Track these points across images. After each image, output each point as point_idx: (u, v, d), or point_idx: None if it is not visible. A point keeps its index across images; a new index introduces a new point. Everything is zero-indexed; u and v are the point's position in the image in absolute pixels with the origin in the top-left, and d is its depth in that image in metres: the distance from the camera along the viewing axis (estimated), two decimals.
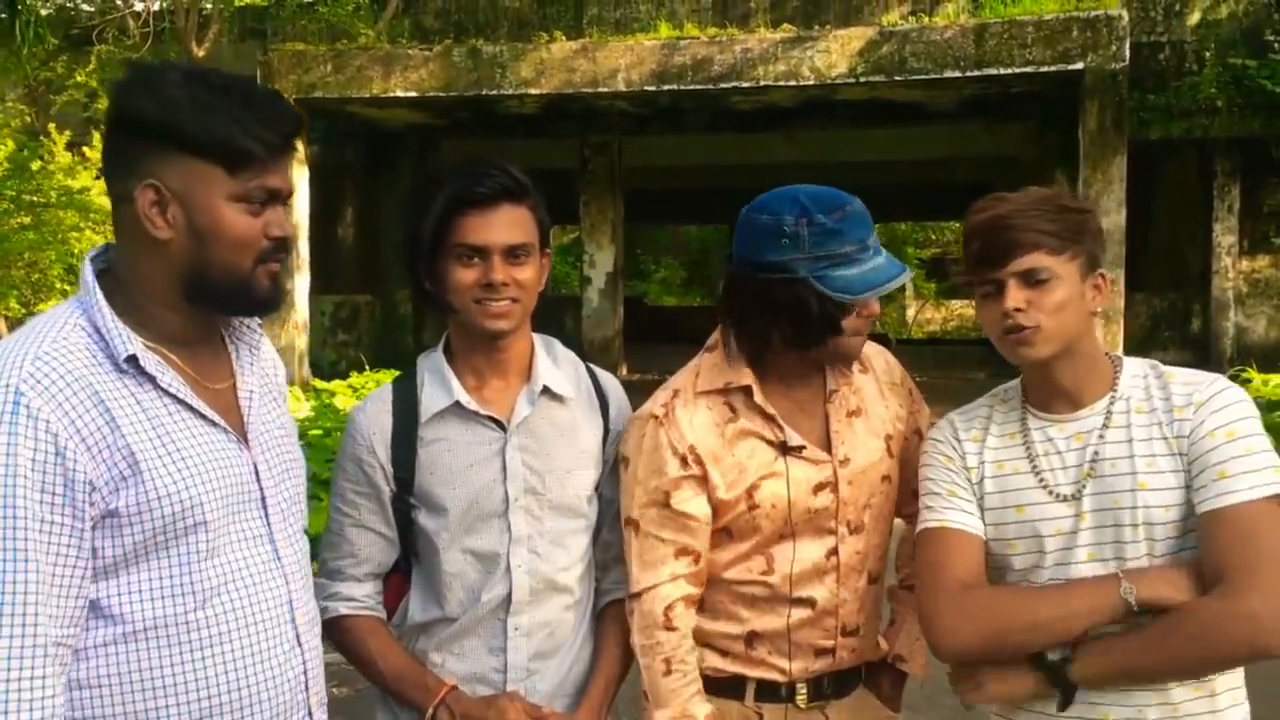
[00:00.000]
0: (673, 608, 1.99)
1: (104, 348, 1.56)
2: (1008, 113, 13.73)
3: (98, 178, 10.97)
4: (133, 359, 1.56)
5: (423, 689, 2.01)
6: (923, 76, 12.08)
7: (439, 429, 2.05)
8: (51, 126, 10.96)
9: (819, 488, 2.03)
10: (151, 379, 1.58)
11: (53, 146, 10.80)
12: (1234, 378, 9.92)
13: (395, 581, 2.14)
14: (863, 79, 12.23)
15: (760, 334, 2.01)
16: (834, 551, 2.05)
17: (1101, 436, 1.86)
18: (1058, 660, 1.76)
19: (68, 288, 11.11)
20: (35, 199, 10.30)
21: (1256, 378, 9.76)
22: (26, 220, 10.43)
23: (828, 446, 2.05)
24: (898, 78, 12.16)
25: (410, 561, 2.12)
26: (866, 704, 2.17)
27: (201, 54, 13.80)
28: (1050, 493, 1.87)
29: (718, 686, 2.06)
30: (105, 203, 10.71)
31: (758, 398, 2.03)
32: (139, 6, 14.50)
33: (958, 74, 11.96)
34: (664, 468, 2.00)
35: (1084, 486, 1.84)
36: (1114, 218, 11.65)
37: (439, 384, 2.07)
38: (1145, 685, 1.78)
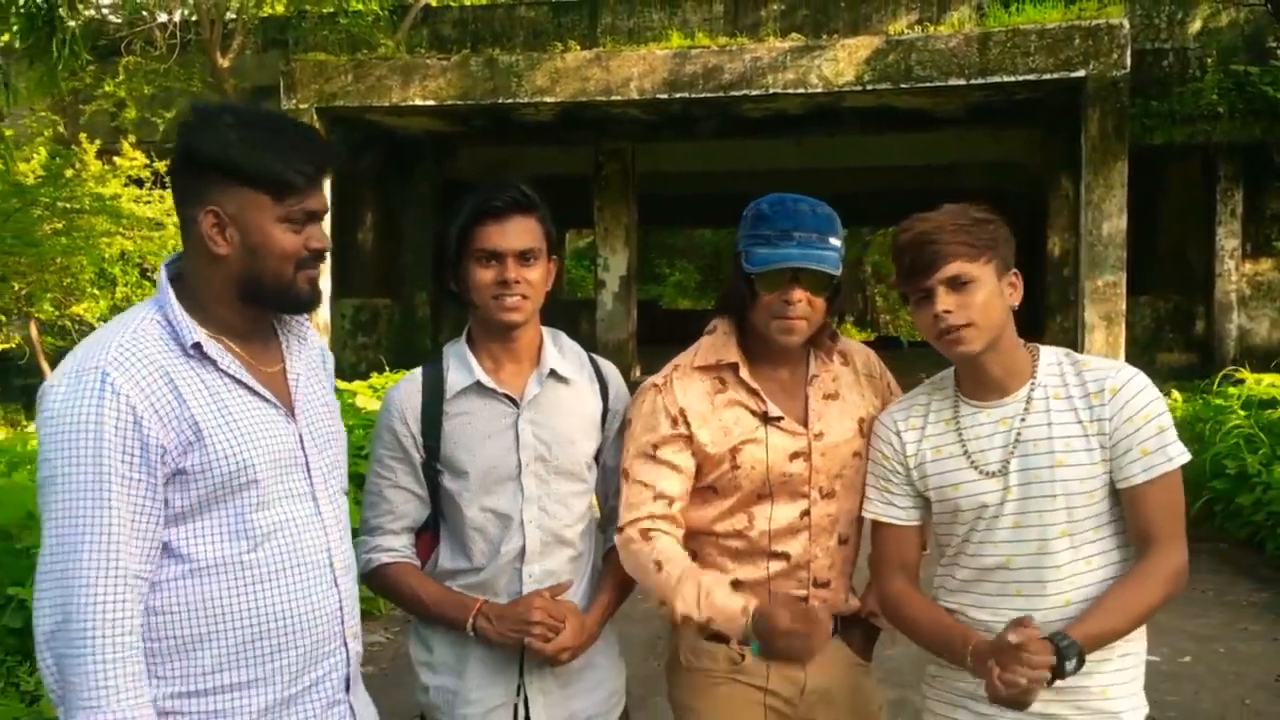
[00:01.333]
0: (648, 530, 2.30)
1: (174, 337, 1.88)
2: (1012, 119, 13.99)
3: (126, 184, 11.37)
4: (197, 346, 1.88)
5: (460, 606, 2.35)
6: (928, 84, 12.37)
7: (462, 404, 2.40)
8: (82, 136, 11.33)
9: (794, 456, 2.35)
10: (213, 362, 1.90)
11: (84, 155, 11.16)
12: (1227, 377, 10.16)
13: (425, 540, 2.48)
14: (869, 87, 12.52)
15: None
16: (806, 513, 2.37)
17: (1024, 420, 2.17)
18: (1074, 668, 2.00)
19: (97, 291, 11.49)
20: (69, 205, 10.66)
21: (1250, 377, 9.98)
22: (59, 226, 10.79)
23: (805, 422, 2.37)
24: (904, 85, 12.44)
25: (439, 520, 2.46)
26: (839, 652, 2.47)
27: (226, 64, 14.20)
28: (979, 470, 2.18)
29: (706, 631, 2.37)
30: (135, 209, 11.09)
31: (743, 373, 2.36)
32: (165, 18, 14.88)
33: (962, 82, 12.24)
34: (657, 427, 2.35)
35: (1009, 464, 2.15)
36: (1115, 222, 11.91)
37: (462, 366, 2.41)
38: (1070, 583, 2.15)
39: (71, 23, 5.94)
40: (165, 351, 1.86)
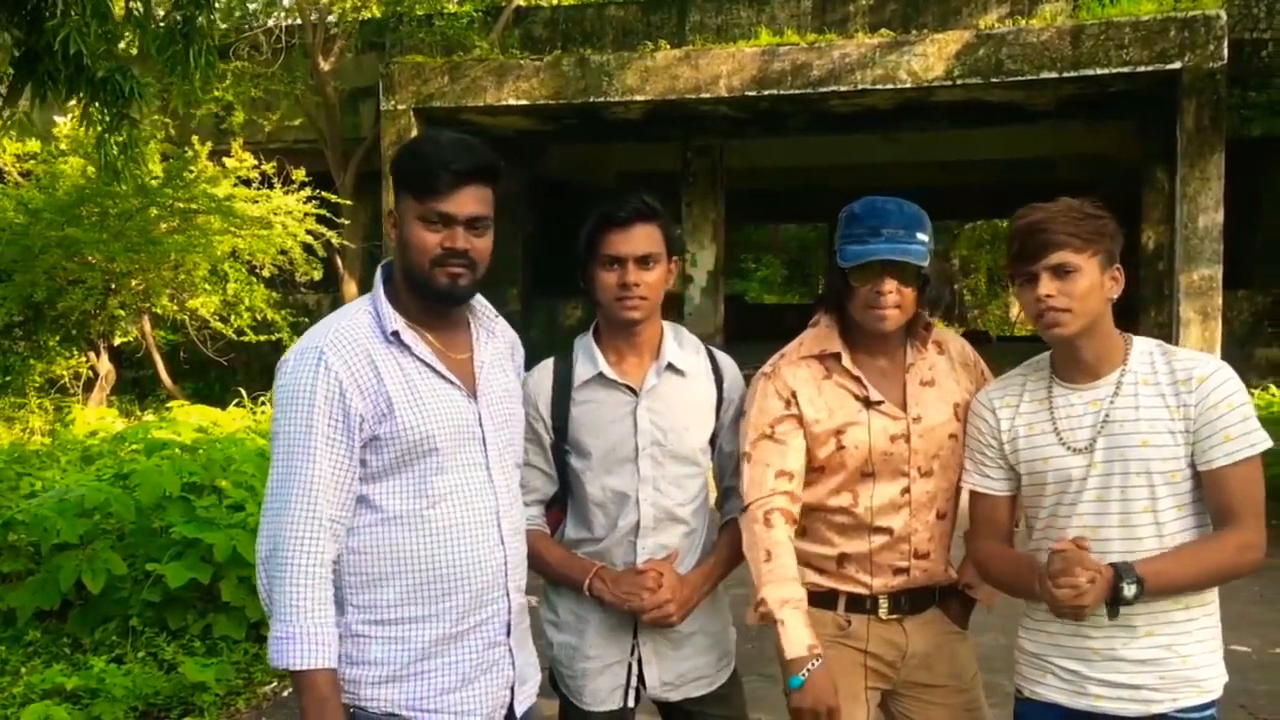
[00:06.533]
0: (771, 514, 2.52)
1: (379, 325, 2.24)
2: (1105, 112, 13.82)
3: (235, 185, 11.84)
4: (395, 334, 2.23)
5: (580, 568, 2.63)
6: (1020, 78, 12.31)
7: (587, 393, 2.65)
8: (195, 139, 11.83)
9: (894, 438, 2.54)
10: (408, 348, 2.24)
11: (198, 159, 11.66)
12: None
13: (555, 514, 2.75)
14: (959, 81, 12.51)
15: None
16: (906, 490, 2.56)
17: (1113, 402, 2.32)
18: (1133, 596, 2.15)
19: (209, 287, 12.00)
20: (186, 206, 11.15)
21: None
22: (176, 225, 11.30)
23: (904, 406, 2.55)
24: (994, 80, 12.40)
25: (566, 495, 2.71)
26: (938, 621, 2.66)
27: (327, 67, 14.67)
28: (1068, 447, 2.34)
29: (815, 599, 2.58)
30: (246, 209, 11.56)
31: (845, 361, 2.56)
32: (270, 24, 15.40)
33: (1054, 75, 12.16)
34: (772, 410, 2.57)
35: (1095, 442, 2.30)
36: (1212, 215, 11.76)
37: (588, 359, 2.67)
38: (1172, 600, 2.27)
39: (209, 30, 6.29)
40: (371, 337, 2.23)
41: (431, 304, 2.30)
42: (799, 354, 2.63)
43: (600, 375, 2.64)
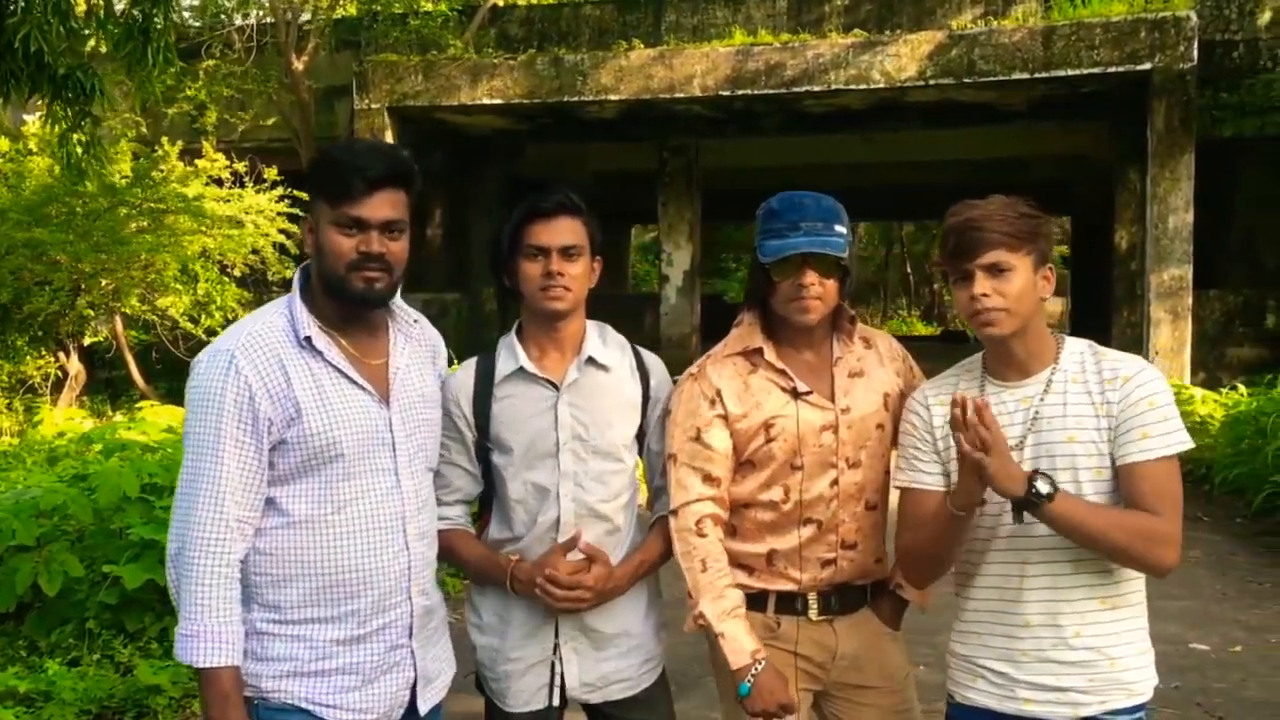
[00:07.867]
0: (702, 521, 2.55)
1: (293, 329, 2.26)
2: (1079, 112, 13.89)
3: (207, 184, 11.79)
4: (308, 339, 2.25)
5: (500, 566, 2.61)
6: (991, 79, 12.37)
7: (508, 388, 2.65)
8: (165, 139, 11.77)
9: (823, 429, 2.56)
10: (320, 353, 2.26)
11: (168, 159, 11.60)
12: None
13: (486, 519, 2.74)
14: (932, 82, 12.56)
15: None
16: (835, 482, 2.57)
17: (1042, 400, 2.33)
18: (1047, 493, 2.15)
19: (180, 287, 11.94)
20: (155, 205, 11.09)
21: None
22: (145, 225, 11.24)
23: (832, 398, 2.57)
24: (966, 80, 12.46)
25: (491, 495, 2.71)
26: (868, 621, 2.67)
27: (300, 66, 14.61)
28: None
29: (745, 600, 2.57)
30: (216, 208, 11.50)
31: (769, 355, 2.57)
32: (242, 22, 15.34)
33: (1026, 76, 12.24)
34: (698, 411, 2.58)
35: (1025, 439, 2.31)
36: (1182, 215, 11.84)
37: (510, 355, 2.67)
38: (1078, 553, 2.26)
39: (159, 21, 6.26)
40: (283, 341, 2.25)
41: (348, 308, 2.31)
42: (724, 353, 2.65)
43: (521, 370, 2.63)
